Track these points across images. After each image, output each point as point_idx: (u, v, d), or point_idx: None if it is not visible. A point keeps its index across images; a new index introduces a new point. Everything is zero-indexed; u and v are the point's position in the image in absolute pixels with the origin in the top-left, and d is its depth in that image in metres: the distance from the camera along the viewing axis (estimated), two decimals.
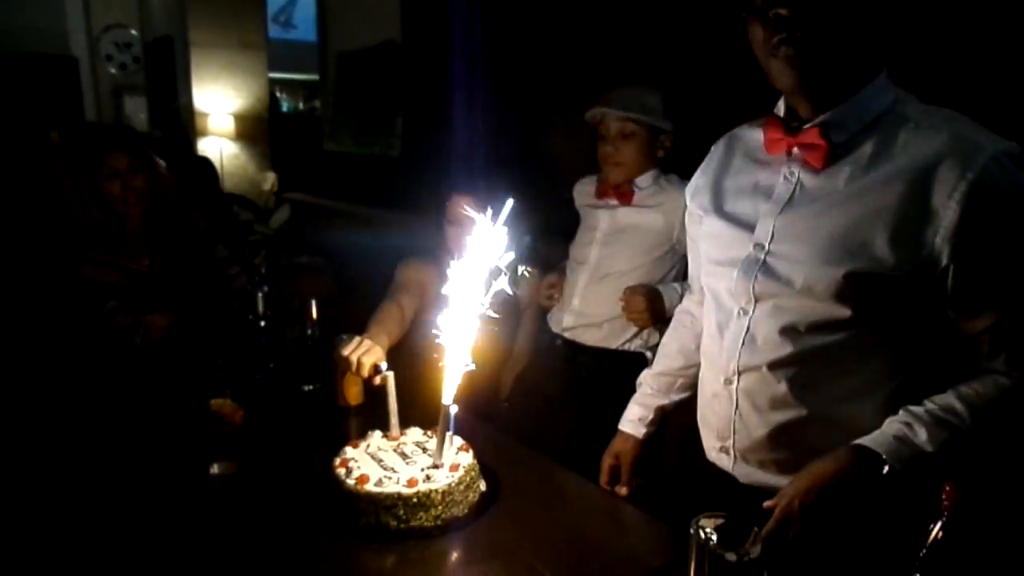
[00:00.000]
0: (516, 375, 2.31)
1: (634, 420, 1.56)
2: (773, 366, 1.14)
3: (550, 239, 2.40)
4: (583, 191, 2.25)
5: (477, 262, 1.30)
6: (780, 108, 1.18)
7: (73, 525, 1.31)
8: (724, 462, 1.26)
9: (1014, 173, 0.99)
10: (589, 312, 2.13)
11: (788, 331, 1.11)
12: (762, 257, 1.13)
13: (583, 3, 2.82)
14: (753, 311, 1.15)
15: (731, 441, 1.23)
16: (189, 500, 1.40)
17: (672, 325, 1.56)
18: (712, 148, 1.36)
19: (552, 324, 2.24)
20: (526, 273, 2.29)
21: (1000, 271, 1.02)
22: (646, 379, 1.57)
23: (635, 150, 2.05)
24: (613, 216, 2.12)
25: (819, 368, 1.12)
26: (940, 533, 0.85)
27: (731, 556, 0.94)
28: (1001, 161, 0.99)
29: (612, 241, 2.12)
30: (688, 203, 1.38)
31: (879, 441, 1.05)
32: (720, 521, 0.97)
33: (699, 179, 1.35)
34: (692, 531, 0.97)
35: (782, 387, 1.14)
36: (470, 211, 1.44)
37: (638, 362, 2.09)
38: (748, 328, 1.16)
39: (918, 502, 0.92)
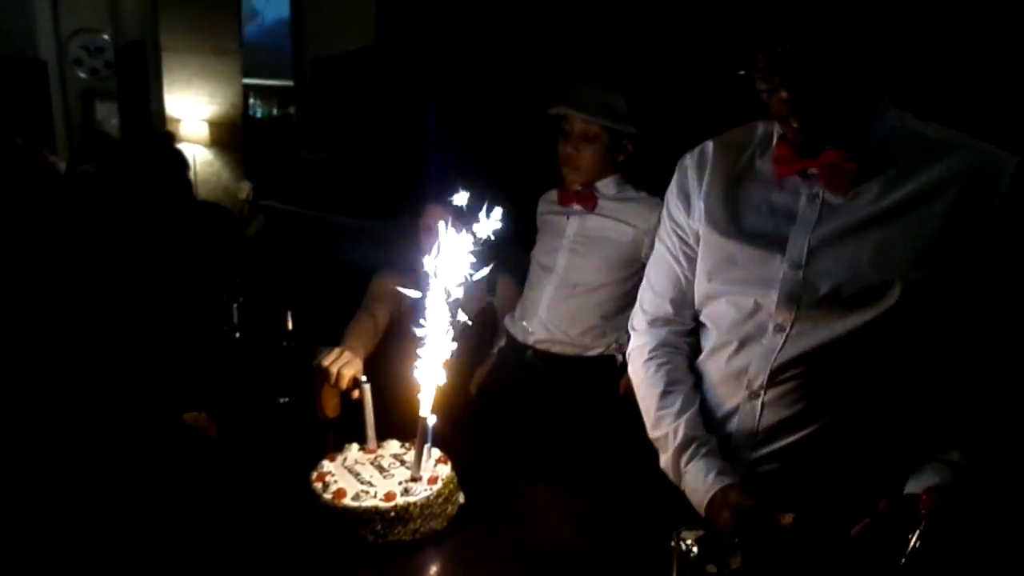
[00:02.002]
0: (485, 384, 2.28)
1: (722, 474, 1.21)
2: (808, 375, 1.15)
3: (522, 247, 2.38)
4: (548, 200, 2.23)
5: (452, 271, 1.30)
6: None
7: (43, 542, 1.28)
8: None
9: None
10: (557, 326, 2.09)
11: (829, 343, 1.12)
12: (801, 276, 1.13)
13: (558, 9, 2.83)
14: (792, 327, 1.15)
15: (748, 453, 1.22)
16: (162, 516, 1.37)
17: (669, 364, 1.35)
18: (696, 155, 1.31)
19: (518, 334, 2.18)
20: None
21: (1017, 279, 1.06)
22: (690, 428, 1.27)
23: (595, 154, 2.02)
24: (582, 222, 2.09)
25: (854, 373, 1.13)
26: (918, 542, 0.85)
27: (712, 568, 0.94)
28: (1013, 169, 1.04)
29: (581, 249, 2.08)
30: (678, 215, 1.33)
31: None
32: (701, 533, 0.97)
33: (694, 187, 1.29)
34: (673, 544, 0.97)
35: (814, 393, 1.16)
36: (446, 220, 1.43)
37: (610, 364, 2.10)
38: (785, 342, 1.16)
39: (897, 511, 0.93)
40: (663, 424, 1.29)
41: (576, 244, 2.09)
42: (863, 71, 1.05)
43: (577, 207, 2.09)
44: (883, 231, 1.08)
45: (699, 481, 1.21)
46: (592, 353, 2.09)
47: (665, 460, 1.29)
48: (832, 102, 1.06)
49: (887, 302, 1.07)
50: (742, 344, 1.22)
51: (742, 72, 1.10)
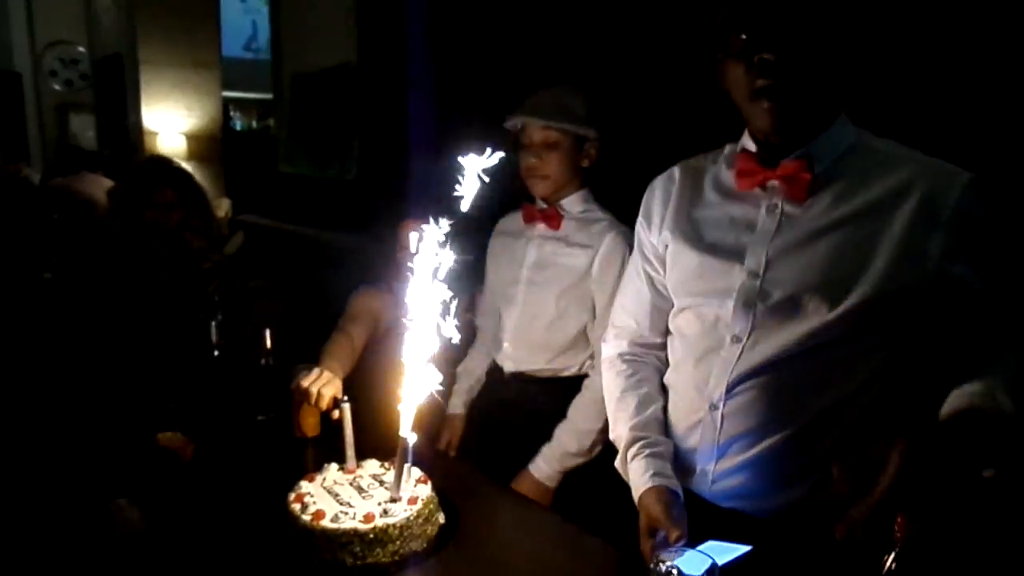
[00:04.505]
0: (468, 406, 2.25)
1: (657, 475, 1.24)
2: (765, 386, 1.17)
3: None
4: (504, 227, 2.18)
5: (429, 289, 1.29)
6: (749, 144, 1.22)
7: (12, 563, 1.26)
8: (702, 487, 1.27)
9: (987, 194, 1.08)
10: (524, 359, 2.06)
11: (784, 352, 1.14)
12: (758, 285, 1.16)
13: (539, 26, 2.85)
14: (748, 337, 1.17)
15: (712, 465, 1.24)
16: (137, 541, 1.35)
17: (629, 371, 1.40)
18: (664, 178, 1.37)
19: (495, 356, 2.17)
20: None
21: (989, 274, 1.08)
22: (639, 429, 1.31)
23: (560, 161, 1.96)
24: (540, 249, 2.04)
25: (810, 383, 1.15)
26: (893, 564, 0.86)
27: None
28: (976, 182, 1.07)
29: (538, 279, 2.03)
30: (643, 234, 1.38)
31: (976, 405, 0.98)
32: (681, 555, 0.97)
33: (659, 208, 1.35)
34: (652, 565, 0.97)
35: (772, 405, 1.17)
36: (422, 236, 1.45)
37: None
38: (741, 353, 1.18)
39: (872, 533, 0.94)
40: (618, 427, 1.34)
41: (534, 274, 2.04)
42: (838, 73, 1.10)
43: (540, 226, 2.05)
44: (834, 242, 1.11)
45: (636, 479, 1.25)
46: (567, 373, 2.06)
47: (618, 460, 1.33)
48: (812, 103, 1.10)
49: (836, 312, 1.09)
50: (703, 356, 1.24)
51: (720, 54, 1.13)
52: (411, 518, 1.29)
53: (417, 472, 1.42)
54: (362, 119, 4.12)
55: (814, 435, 1.16)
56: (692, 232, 1.27)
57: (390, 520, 1.27)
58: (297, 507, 1.31)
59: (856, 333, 1.11)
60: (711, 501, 1.26)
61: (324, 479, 1.43)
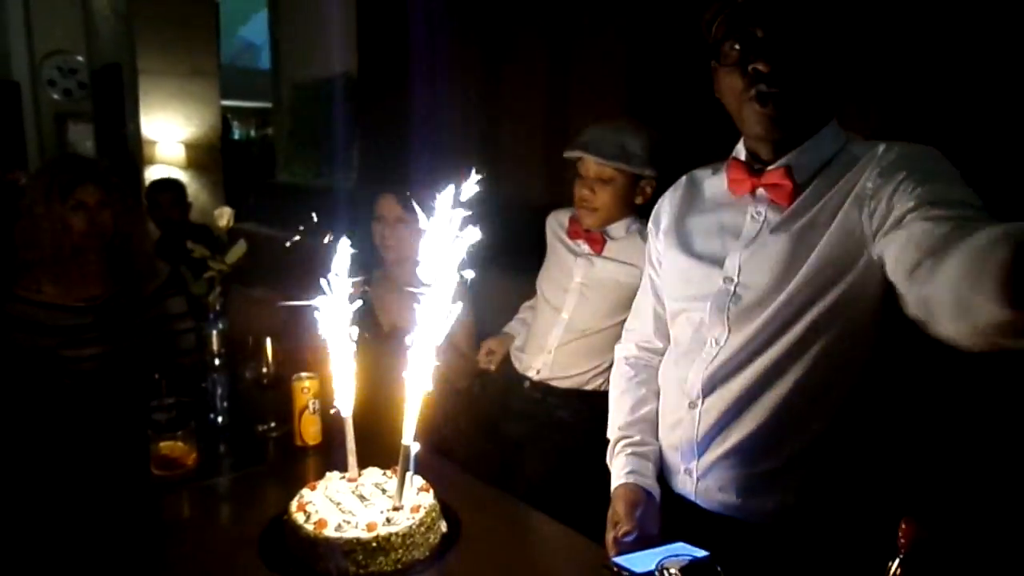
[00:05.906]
0: (474, 415, 2.25)
1: (632, 472, 1.34)
2: (739, 384, 1.20)
3: (491, 272, 2.36)
4: (556, 223, 2.19)
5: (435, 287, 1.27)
6: (740, 151, 1.25)
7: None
8: (687, 487, 1.30)
9: (909, 146, 1.09)
10: (562, 366, 2.06)
11: (753, 352, 1.18)
12: (732, 289, 1.20)
13: (537, 35, 2.87)
14: (726, 340, 1.21)
15: (695, 463, 1.27)
16: (138, 548, 1.35)
17: (631, 372, 1.47)
18: (673, 186, 1.42)
19: (519, 366, 2.16)
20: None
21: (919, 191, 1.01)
22: (626, 428, 1.39)
23: (613, 196, 1.98)
24: (589, 265, 2.05)
25: (779, 382, 1.17)
26: (898, 570, 0.86)
27: None
28: (894, 143, 1.10)
29: (588, 294, 2.05)
30: (651, 240, 1.42)
31: None
32: (684, 563, 0.97)
33: (665, 216, 1.39)
34: (657, 573, 0.97)
35: (745, 402, 1.20)
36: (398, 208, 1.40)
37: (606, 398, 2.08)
38: (716, 356, 1.22)
39: (875, 539, 0.94)
40: (611, 425, 1.44)
41: (584, 288, 2.06)
42: (830, 82, 1.12)
43: (584, 246, 2.06)
44: (788, 244, 1.14)
45: (614, 475, 1.36)
46: (589, 388, 2.07)
47: (607, 457, 1.42)
48: (804, 111, 1.12)
49: (796, 306, 1.12)
50: (686, 357, 1.29)
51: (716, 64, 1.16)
52: (414, 526, 1.29)
53: (419, 480, 1.41)
54: (362, 128, 4.13)
55: (787, 433, 1.18)
56: (684, 238, 1.32)
57: (393, 529, 1.27)
58: (300, 516, 1.31)
59: (819, 326, 1.12)
60: (701, 506, 1.28)
61: (326, 488, 1.42)
